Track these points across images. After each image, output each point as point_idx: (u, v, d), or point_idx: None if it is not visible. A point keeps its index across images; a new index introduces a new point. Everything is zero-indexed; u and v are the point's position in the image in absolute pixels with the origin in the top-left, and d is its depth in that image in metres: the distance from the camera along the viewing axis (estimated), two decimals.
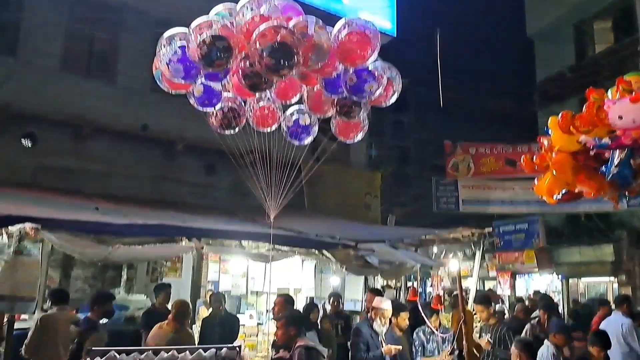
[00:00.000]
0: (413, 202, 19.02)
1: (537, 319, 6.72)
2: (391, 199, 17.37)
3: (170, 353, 4.40)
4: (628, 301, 6.99)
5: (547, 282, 16.48)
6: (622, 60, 14.75)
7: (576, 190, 4.14)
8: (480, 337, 5.51)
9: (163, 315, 6.72)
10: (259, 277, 8.84)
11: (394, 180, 20.35)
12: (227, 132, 4.65)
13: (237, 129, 4.66)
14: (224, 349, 4.65)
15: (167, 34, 4.03)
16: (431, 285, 17.04)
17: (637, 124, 3.03)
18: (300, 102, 4.79)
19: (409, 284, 13.73)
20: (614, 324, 6.59)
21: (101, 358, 4.10)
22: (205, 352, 4.55)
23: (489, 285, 18.40)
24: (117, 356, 4.15)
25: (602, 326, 6.97)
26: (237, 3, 4.09)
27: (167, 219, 7.13)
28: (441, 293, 14.86)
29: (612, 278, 14.30)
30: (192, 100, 4.39)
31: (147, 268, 9.46)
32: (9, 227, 5.32)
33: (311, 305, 7.28)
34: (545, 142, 3.96)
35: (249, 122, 4.80)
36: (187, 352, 4.47)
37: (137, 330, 6.67)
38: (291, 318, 4.33)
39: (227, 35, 3.73)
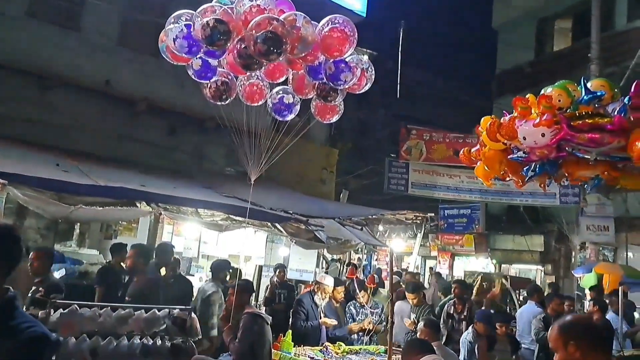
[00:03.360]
0: (368, 178, 19.65)
1: (453, 299, 7.50)
2: (347, 173, 17.94)
3: (127, 310, 4.80)
4: (538, 292, 7.89)
5: (482, 265, 17.67)
6: (575, 61, 15.57)
7: (507, 179, 4.75)
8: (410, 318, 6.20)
9: (118, 273, 7.08)
10: (211, 242, 9.23)
11: (351, 154, 20.89)
12: (218, 102, 5.08)
13: (227, 101, 5.12)
14: (177, 310, 5.09)
15: (175, 14, 4.52)
16: (376, 260, 17.94)
17: (538, 144, 3.51)
18: (285, 83, 5.27)
19: (354, 256, 14.51)
20: (528, 312, 7.49)
21: (63, 310, 4.47)
22: (159, 311, 4.98)
23: (430, 263, 19.51)
24: (79, 310, 4.53)
25: (518, 312, 7.88)
26: None
27: (128, 180, 7.36)
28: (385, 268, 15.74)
29: (540, 266, 15.50)
30: (190, 72, 4.83)
31: (101, 224, 9.65)
32: None
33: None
34: (481, 138, 4.48)
35: (238, 95, 5.24)
36: (143, 310, 4.88)
37: (90, 286, 6.96)
38: (244, 287, 4.80)
39: (228, 20, 4.21)
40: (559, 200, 13.14)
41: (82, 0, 10.17)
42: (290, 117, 5.39)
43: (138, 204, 6.57)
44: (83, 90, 9.72)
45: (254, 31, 3.97)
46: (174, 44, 4.39)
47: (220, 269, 7.17)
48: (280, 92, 5.29)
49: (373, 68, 5.04)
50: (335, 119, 5.51)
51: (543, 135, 3.38)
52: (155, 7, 10.68)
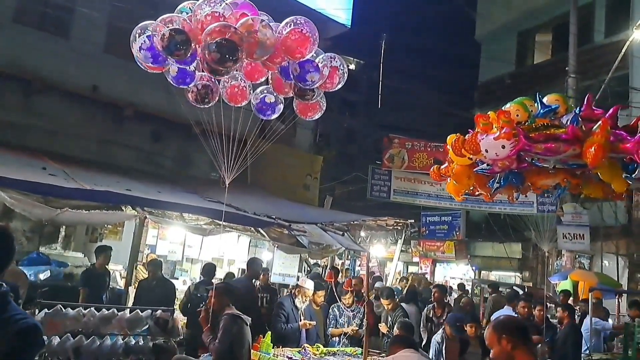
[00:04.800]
0: (352, 184, 19.92)
1: (433, 304, 7.74)
2: (331, 180, 18.18)
3: (110, 311, 4.94)
4: (517, 298, 8.13)
5: (462, 271, 17.99)
6: (554, 74, 16.00)
7: (477, 193, 4.95)
8: (386, 322, 6.41)
9: (102, 275, 7.21)
10: (195, 246, 9.36)
11: (336, 161, 21.15)
12: (201, 106, 5.12)
13: (210, 104, 5.15)
14: (159, 311, 5.24)
15: (141, 24, 4.61)
16: (359, 265, 18.16)
17: (499, 157, 3.73)
18: (267, 82, 5.31)
19: (338, 261, 14.73)
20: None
21: (48, 310, 4.60)
22: (142, 312, 5.13)
23: (412, 269, 19.78)
24: (63, 310, 4.66)
25: (494, 317, 8.13)
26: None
27: (113, 184, 7.50)
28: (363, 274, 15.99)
29: (518, 273, 15.84)
30: (168, 78, 4.90)
31: (87, 228, 9.73)
32: None
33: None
34: (449, 155, 4.67)
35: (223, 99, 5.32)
36: (127, 310, 5.03)
37: (75, 287, 7.08)
38: (224, 289, 4.97)
39: (187, 29, 4.27)
40: (537, 209, 13.47)
41: (71, 8, 10.32)
42: (273, 116, 5.42)
43: (123, 208, 6.70)
44: (69, 95, 9.85)
45: (208, 39, 4.03)
46: (140, 54, 4.51)
47: None
48: (263, 91, 5.35)
49: (345, 66, 5.02)
50: (317, 116, 5.50)
51: (503, 147, 3.60)
52: (142, 15, 10.81)
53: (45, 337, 4.48)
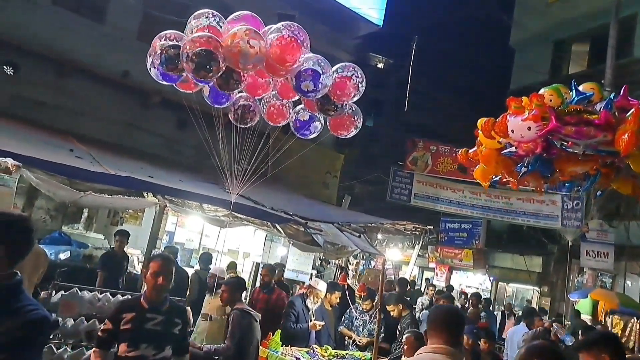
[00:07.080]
0: (372, 184, 19.82)
1: None
2: (353, 178, 18.10)
3: (125, 297, 4.99)
4: (532, 315, 8.00)
5: (479, 281, 17.73)
6: None
7: (504, 180, 4.82)
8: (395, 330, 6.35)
9: (120, 259, 7.31)
10: (213, 236, 9.44)
11: (358, 160, 21.06)
12: (241, 126, 5.09)
13: (250, 124, 5.12)
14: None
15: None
16: (374, 266, 18.07)
17: (524, 138, 3.61)
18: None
19: (353, 260, 14.66)
20: (518, 333, 7.63)
21: (65, 292, 4.68)
22: None
23: (427, 274, 19.60)
24: (79, 293, 4.74)
25: (509, 332, 8.00)
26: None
27: (137, 170, 7.60)
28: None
29: (536, 287, 15.53)
30: (205, 98, 4.95)
31: (108, 210, 9.90)
32: None
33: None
34: (478, 138, 4.55)
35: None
36: None
37: (93, 269, 7.19)
38: (237, 284, 5.00)
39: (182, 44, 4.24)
40: (561, 223, 13.13)
41: None
42: (311, 135, 5.23)
43: (145, 195, 6.81)
44: (100, 79, 10.02)
45: (186, 48, 4.01)
46: (152, 71, 4.53)
47: None
48: (299, 110, 5.17)
49: (362, 75, 4.70)
50: (351, 134, 5.29)
51: (529, 128, 3.48)
52: (176, 4, 10.95)
53: (59, 319, 4.58)
